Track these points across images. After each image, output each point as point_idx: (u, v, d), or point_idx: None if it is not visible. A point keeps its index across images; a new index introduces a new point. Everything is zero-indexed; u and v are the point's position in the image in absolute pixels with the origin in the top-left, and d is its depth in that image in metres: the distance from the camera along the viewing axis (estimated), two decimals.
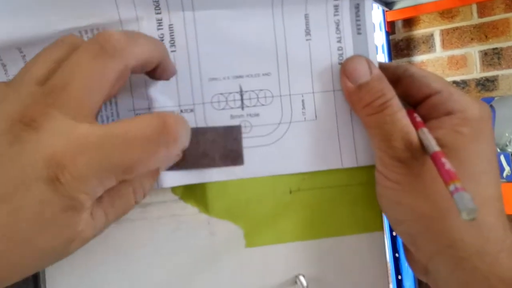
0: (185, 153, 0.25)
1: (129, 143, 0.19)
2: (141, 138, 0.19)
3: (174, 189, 0.27)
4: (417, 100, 0.27)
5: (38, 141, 0.18)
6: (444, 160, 0.22)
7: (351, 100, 0.26)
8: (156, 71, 0.23)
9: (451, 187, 0.21)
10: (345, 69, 0.26)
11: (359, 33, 0.27)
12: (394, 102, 0.25)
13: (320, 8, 0.26)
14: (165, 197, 0.26)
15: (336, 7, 0.26)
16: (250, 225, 0.27)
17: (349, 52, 0.27)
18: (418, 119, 0.26)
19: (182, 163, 0.25)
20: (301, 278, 0.27)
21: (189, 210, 0.27)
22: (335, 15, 0.26)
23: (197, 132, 0.26)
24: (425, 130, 0.25)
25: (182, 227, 0.27)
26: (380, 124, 0.25)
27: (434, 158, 0.23)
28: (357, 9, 0.26)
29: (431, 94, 0.26)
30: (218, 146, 0.26)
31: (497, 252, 0.23)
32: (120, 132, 0.19)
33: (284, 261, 0.27)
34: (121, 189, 0.21)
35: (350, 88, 0.26)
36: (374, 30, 0.26)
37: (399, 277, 1.45)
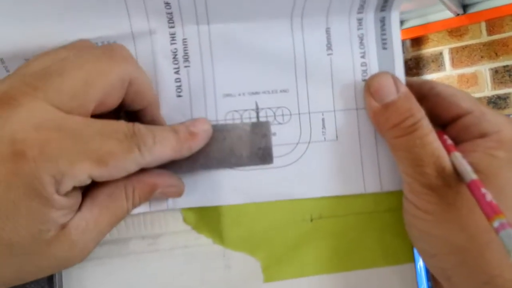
0: (210, 150, 0.24)
1: (106, 134, 0.19)
2: (117, 132, 0.20)
3: (186, 219, 0.25)
4: (446, 120, 0.25)
5: (9, 118, 0.18)
6: (484, 190, 0.20)
7: (376, 120, 0.25)
8: (143, 113, 0.23)
9: (496, 223, 0.19)
10: (369, 86, 0.25)
11: (384, 48, 0.25)
12: (424, 123, 0.23)
13: (342, 21, 0.25)
14: (177, 227, 0.24)
15: (360, 21, 0.25)
16: (269, 257, 0.25)
17: (373, 68, 0.25)
18: (449, 141, 0.24)
19: (207, 162, 0.24)
20: None
21: (203, 240, 0.25)
22: (358, 29, 0.25)
23: (223, 129, 0.24)
24: (457, 154, 0.23)
25: (195, 259, 0.25)
26: (409, 148, 0.23)
27: (472, 187, 0.21)
28: (383, 23, 0.25)
29: (461, 114, 0.24)
30: (245, 143, 0.25)
31: None
32: (99, 123, 0.20)
33: None
34: (114, 191, 0.21)
35: (375, 108, 0.24)
36: (402, 45, 0.24)
37: None
